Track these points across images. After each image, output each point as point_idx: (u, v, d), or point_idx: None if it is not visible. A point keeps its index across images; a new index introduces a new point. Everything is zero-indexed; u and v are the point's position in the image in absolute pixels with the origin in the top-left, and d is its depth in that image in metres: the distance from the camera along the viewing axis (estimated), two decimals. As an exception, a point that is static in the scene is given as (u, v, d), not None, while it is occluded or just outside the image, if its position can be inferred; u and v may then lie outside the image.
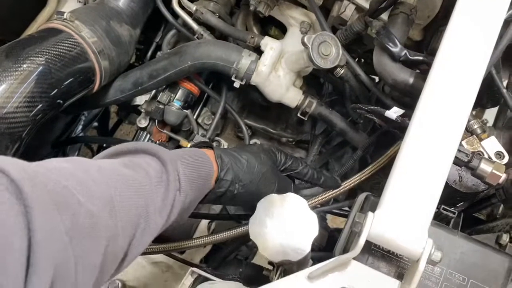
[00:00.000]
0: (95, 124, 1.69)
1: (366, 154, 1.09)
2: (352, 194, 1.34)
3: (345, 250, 0.67)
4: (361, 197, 0.71)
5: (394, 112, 0.75)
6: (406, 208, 0.57)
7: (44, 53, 0.88)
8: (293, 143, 1.26)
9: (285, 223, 0.62)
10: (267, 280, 0.70)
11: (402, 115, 0.74)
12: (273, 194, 0.65)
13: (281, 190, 0.75)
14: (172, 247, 0.86)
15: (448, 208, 0.67)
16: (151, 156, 0.63)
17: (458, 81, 0.62)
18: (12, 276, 0.37)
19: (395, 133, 0.94)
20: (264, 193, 0.71)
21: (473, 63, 0.62)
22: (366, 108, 0.80)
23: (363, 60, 1.11)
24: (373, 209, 0.65)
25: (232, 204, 0.89)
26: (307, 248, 0.61)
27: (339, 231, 1.09)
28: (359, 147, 1.06)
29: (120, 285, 1.06)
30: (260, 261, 1.35)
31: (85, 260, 0.45)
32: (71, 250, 0.43)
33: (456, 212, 0.67)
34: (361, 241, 0.54)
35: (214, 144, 1.17)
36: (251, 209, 0.67)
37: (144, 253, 0.85)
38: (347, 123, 1.06)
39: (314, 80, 1.20)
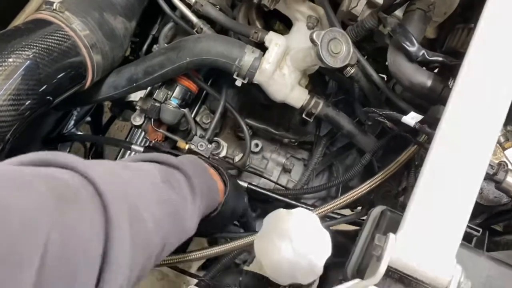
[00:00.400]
0: (88, 119, 1.62)
1: (374, 158, 1.03)
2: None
3: (359, 270, 0.61)
4: (376, 211, 0.65)
5: (411, 118, 0.69)
6: (432, 230, 0.51)
7: (32, 46, 0.81)
8: (296, 143, 1.20)
9: (296, 242, 0.56)
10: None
11: (420, 121, 0.68)
12: (281, 209, 0.59)
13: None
14: (171, 260, 0.80)
15: (473, 226, 0.61)
16: (182, 174, 0.65)
17: (491, 89, 0.55)
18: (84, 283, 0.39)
19: (406, 136, 0.88)
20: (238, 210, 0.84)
21: (508, 68, 0.56)
22: (380, 113, 0.74)
23: (372, 58, 1.04)
24: (391, 227, 0.59)
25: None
26: (320, 271, 0.55)
27: (340, 234, 1.04)
28: (367, 150, 1.00)
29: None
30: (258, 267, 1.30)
31: (133, 274, 0.47)
32: (129, 263, 0.45)
33: (481, 230, 0.61)
34: (382, 269, 0.48)
35: (213, 145, 1.11)
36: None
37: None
38: (355, 125, 1.00)
39: (318, 78, 1.13)
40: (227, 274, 0.98)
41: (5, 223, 0.34)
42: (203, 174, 0.74)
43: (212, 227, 0.83)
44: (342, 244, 1.26)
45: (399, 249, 0.50)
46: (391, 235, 0.51)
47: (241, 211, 0.89)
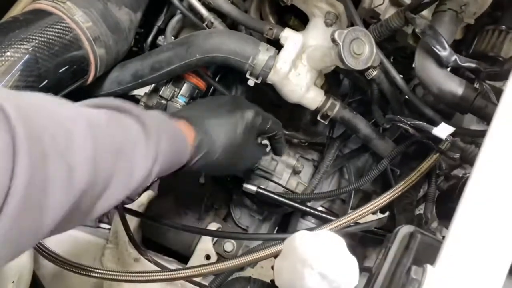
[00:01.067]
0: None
1: (392, 164, 0.99)
2: (366, 197, 1.24)
3: (385, 297, 0.56)
4: (403, 231, 0.60)
5: (443, 130, 0.64)
6: (475, 262, 0.46)
7: (30, 39, 0.76)
8: (306, 144, 1.14)
9: (321, 269, 0.51)
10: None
11: (453, 134, 0.63)
12: (304, 231, 0.54)
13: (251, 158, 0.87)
14: (180, 275, 0.75)
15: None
16: (136, 120, 0.62)
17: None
18: None
19: (428, 144, 0.83)
20: (238, 166, 0.86)
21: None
22: (408, 123, 0.69)
23: (392, 58, 0.99)
24: (422, 252, 0.54)
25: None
26: (347, 301, 0.51)
27: (346, 234, 0.99)
28: (384, 156, 0.95)
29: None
30: (266, 273, 1.26)
31: (50, 210, 0.46)
32: (43, 202, 0.44)
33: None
34: (422, 307, 0.44)
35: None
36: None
37: (143, 281, 0.75)
38: (372, 129, 0.94)
39: (333, 76, 1.08)
40: (235, 282, 0.93)
41: None
42: (162, 121, 0.70)
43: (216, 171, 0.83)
44: (349, 246, 1.22)
45: (438, 284, 0.45)
46: (429, 267, 0.46)
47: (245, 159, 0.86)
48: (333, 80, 1.07)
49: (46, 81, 0.77)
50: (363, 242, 1.20)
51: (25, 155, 0.41)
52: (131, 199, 0.72)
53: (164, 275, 0.77)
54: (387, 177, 1.13)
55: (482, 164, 0.49)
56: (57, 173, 0.46)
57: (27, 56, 0.74)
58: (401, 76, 0.95)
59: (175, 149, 0.70)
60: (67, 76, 0.82)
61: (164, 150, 0.65)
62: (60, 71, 0.79)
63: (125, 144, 0.58)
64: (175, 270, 0.79)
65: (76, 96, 0.96)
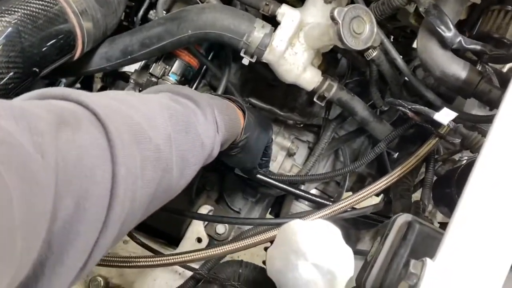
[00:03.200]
0: (78, 86, 1.52)
1: (389, 147, 0.96)
2: (361, 179, 1.22)
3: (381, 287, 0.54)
4: (401, 220, 0.58)
5: (445, 115, 0.61)
6: (476, 256, 0.44)
7: (12, 11, 0.72)
8: (302, 126, 1.12)
9: (315, 260, 0.48)
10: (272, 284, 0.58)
11: (455, 120, 0.60)
12: (297, 220, 0.51)
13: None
14: (175, 259, 0.73)
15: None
16: (188, 98, 0.66)
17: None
18: (96, 204, 0.40)
19: (426, 127, 0.80)
20: (255, 161, 0.87)
21: None
22: (409, 107, 0.66)
23: (392, 37, 0.95)
24: (421, 243, 0.52)
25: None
26: (341, 292, 0.49)
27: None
28: (381, 139, 0.92)
29: (102, 282, 0.94)
30: (258, 253, 1.24)
31: (145, 190, 0.49)
32: (140, 183, 0.47)
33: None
34: (420, 303, 0.42)
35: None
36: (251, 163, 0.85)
37: (134, 266, 0.73)
38: (370, 112, 0.91)
39: (330, 56, 1.04)
40: (226, 266, 0.92)
41: (12, 149, 0.34)
42: (218, 102, 0.74)
43: (240, 161, 0.84)
44: (342, 229, 1.21)
45: (438, 279, 0.43)
46: (428, 261, 0.44)
47: (266, 143, 0.88)
48: (331, 59, 1.03)
49: (31, 55, 0.74)
50: (356, 224, 1.19)
51: (120, 146, 0.44)
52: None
53: (153, 261, 0.75)
54: (382, 159, 1.11)
55: (486, 158, 0.46)
56: (147, 154, 0.49)
57: (9, 29, 0.71)
58: (401, 57, 0.92)
59: (231, 119, 0.73)
60: (52, 51, 0.78)
61: (220, 117, 0.69)
62: (45, 45, 0.76)
63: (189, 120, 0.62)
64: (167, 255, 0.77)
65: (63, 72, 0.93)
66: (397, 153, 1.00)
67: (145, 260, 0.76)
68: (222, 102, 0.76)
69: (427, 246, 0.54)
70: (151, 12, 1.00)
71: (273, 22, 0.86)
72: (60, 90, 0.47)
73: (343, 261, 0.50)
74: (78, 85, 1.50)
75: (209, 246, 0.99)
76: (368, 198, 0.76)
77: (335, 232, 0.51)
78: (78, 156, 0.40)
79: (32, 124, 0.37)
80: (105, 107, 0.46)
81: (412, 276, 0.44)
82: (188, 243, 0.95)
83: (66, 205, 0.38)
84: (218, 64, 1.03)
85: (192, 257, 0.75)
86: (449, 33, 0.66)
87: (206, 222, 1.01)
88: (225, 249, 0.75)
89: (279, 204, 1.17)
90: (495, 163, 0.46)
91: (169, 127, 0.56)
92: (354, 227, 1.22)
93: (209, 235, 1.01)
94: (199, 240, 0.98)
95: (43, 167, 0.36)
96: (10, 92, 0.74)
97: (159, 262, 0.76)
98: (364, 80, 1.04)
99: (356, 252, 0.77)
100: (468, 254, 0.44)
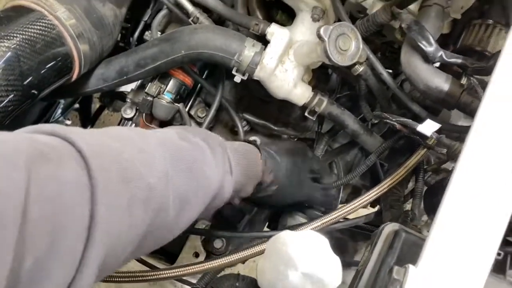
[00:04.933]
0: (76, 106, 1.55)
1: (380, 159, 0.98)
2: (355, 191, 1.24)
3: (369, 295, 0.56)
4: (388, 229, 0.60)
5: (428, 127, 0.63)
6: (456, 261, 0.46)
7: (11, 37, 0.75)
8: (296, 140, 1.14)
9: (305, 269, 0.50)
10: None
11: (438, 131, 0.62)
12: (287, 231, 0.53)
13: (308, 190, 0.85)
14: (169, 274, 0.75)
15: (493, 249, 0.56)
16: (199, 136, 0.65)
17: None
18: (72, 242, 0.39)
19: (415, 139, 0.83)
20: (296, 195, 0.83)
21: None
22: (394, 120, 0.69)
23: (380, 53, 0.98)
24: (406, 251, 0.54)
25: (262, 205, 0.89)
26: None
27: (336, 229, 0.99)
28: (372, 151, 0.95)
29: (101, 299, 0.95)
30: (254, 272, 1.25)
31: (133, 230, 0.48)
32: (127, 222, 0.46)
33: (502, 253, 0.56)
34: (403, 308, 0.43)
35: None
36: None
37: (132, 281, 0.74)
38: (360, 125, 0.94)
39: (321, 72, 1.07)
40: (223, 280, 0.93)
41: None
42: (232, 143, 0.73)
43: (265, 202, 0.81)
44: (339, 240, 1.22)
45: (420, 284, 0.45)
46: (411, 268, 0.45)
47: (303, 193, 0.86)
48: (322, 75, 1.06)
49: (30, 78, 0.76)
50: (353, 236, 1.20)
51: (102, 184, 0.42)
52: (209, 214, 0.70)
53: (151, 275, 0.77)
54: (376, 171, 1.13)
55: (464, 164, 0.49)
56: (137, 194, 0.48)
57: (9, 54, 0.73)
58: (389, 71, 0.95)
59: (247, 159, 0.72)
60: (50, 73, 0.81)
61: (235, 158, 0.68)
62: (44, 68, 0.78)
63: (195, 159, 0.60)
64: (163, 269, 0.78)
65: (61, 93, 0.96)
66: (388, 164, 1.02)
67: (142, 274, 0.77)
68: (238, 144, 0.75)
69: (413, 254, 0.56)
70: (146, 33, 1.04)
71: (265, 40, 0.89)
72: (51, 126, 0.47)
73: (331, 269, 0.52)
74: (76, 105, 1.54)
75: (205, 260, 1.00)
76: (358, 209, 0.78)
77: (323, 242, 0.53)
78: (58, 192, 0.39)
79: (8, 158, 0.37)
80: (93, 144, 0.46)
81: (395, 282, 0.46)
82: (185, 258, 0.97)
83: (40, 242, 0.37)
84: (212, 82, 1.06)
85: (188, 271, 0.77)
86: (431, 48, 0.69)
87: (203, 237, 1.03)
88: (220, 262, 0.77)
89: (276, 217, 1.19)
90: (472, 169, 0.48)
91: (168, 165, 0.55)
92: (352, 239, 1.23)
93: (206, 250, 1.02)
94: (196, 255, 0.99)
95: (12, 205, 0.35)
96: (9, 114, 0.77)
97: (156, 277, 0.77)
98: (355, 94, 1.06)
99: (354, 264, 0.79)
100: (449, 259, 0.46)
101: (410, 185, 1.00)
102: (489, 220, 0.47)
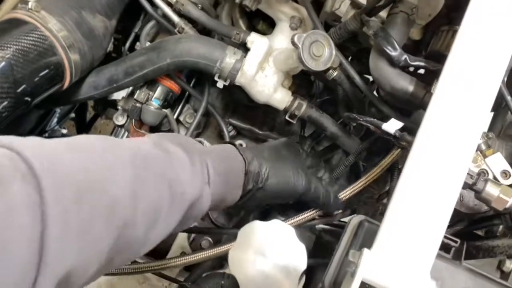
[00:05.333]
0: (72, 115, 1.60)
1: (359, 160, 1.02)
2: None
3: (336, 282, 0.60)
4: (355, 220, 0.64)
5: (392, 125, 0.68)
6: (406, 245, 0.50)
7: (5, 47, 0.79)
8: (281, 143, 1.18)
9: (272, 256, 0.55)
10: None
11: (401, 129, 0.67)
12: (256, 221, 0.58)
13: (313, 189, 0.80)
14: (148, 267, 0.79)
15: (450, 237, 0.61)
16: (178, 147, 0.63)
17: (472, 94, 0.54)
18: (23, 263, 0.37)
19: (389, 139, 0.87)
20: (293, 185, 0.77)
21: (488, 75, 0.55)
22: (361, 120, 0.73)
23: (356, 59, 1.03)
24: (368, 239, 0.58)
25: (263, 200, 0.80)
26: (296, 284, 0.55)
27: (326, 232, 1.03)
28: (351, 152, 0.99)
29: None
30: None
31: (95, 247, 0.46)
32: (88, 238, 0.44)
33: (459, 241, 0.61)
34: (355, 286, 0.48)
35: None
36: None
37: (115, 274, 0.78)
38: (338, 127, 0.98)
39: (303, 78, 1.12)
40: (209, 278, 0.97)
41: None
42: (214, 151, 0.70)
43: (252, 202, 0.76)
44: (329, 243, 1.26)
45: (373, 266, 0.49)
46: (365, 251, 0.50)
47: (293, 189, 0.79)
48: (304, 81, 1.11)
49: (23, 86, 0.81)
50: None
51: (53, 203, 0.40)
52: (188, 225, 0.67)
53: (132, 268, 0.80)
54: (358, 172, 1.17)
55: (415, 153, 0.53)
56: (97, 209, 0.45)
57: (3, 63, 0.78)
58: (365, 75, 0.99)
59: (227, 165, 0.69)
60: (43, 81, 0.85)
61: (214, 168, 0.65)
62: (36, 77, 0.83)
63: (168, 167, 0.58)
64: (143, 263, 0.82)
65: (54, 101, 1.00)
66: (366, 165, 1.06)
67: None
68: (219, 149, 0.72)
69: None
70: (137, 43, 1.09)
71: (245, 48, 0.94)
72: (7, 139, 0.44)
73: (297, 256, 0.56)
74: (72, 114, 1.59)
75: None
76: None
77: (290, 230, 0.57)
78: (6, 212, 0.37)
79: None
80: (48, 159, 0.44)
81: (351, 264, 0.50)
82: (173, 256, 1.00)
83: None
84: (200, 89, 1.11)
85: (167, 264, 0.80)
86: (395, 52, 0.74)
87: (191, 238, 1.07)
88: (198, 257, 0.80)
89: (264, 219, 1.23)
90: (422, 160, 0.52)
91: (138, 176, 0.52)
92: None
93: (194, 250, 1.06)
94: (183, 255, 1.03)
95: None
96: (3, 120, 0.81)
97: (139, 270, 0.80)
98: (336, 99, 1.11)
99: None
100: (399, 243, 0.50)
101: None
102: (435, 208, 0.51)
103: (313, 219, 0.83)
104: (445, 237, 0.62)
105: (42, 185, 0.40)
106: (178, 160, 0.61)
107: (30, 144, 0.45)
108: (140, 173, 0.53)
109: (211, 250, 0.79)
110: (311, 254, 0.89)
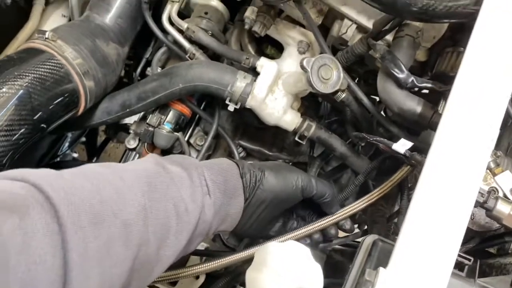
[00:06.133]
0: (83, 139, 1.62)
1: (368, 179, 1.04)
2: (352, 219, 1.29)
3: (351, 302, 0.61)
4: (368, 240, 0.65)
5: (402, 145, 0.69)
6: (421, 263, 0.51)
7: (24, 76, 0.82)
8: (290, 164, 1.20)
9: (288, 277, 0.55)
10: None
11: (411, 149, 0.68)
12: (273, 242, 0.59)
13: (313, 182, 0.79)
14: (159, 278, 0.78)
15: (464, 255, 0.61)
16: (177, 166, 0.65)
17: (480, 114, 0.56)
18: None
19: (399, 158, 0.88)
20: (291, 181, 0.76)
21: (495, 95, 0.56)
22: (371, 139, 0.75)
23: (363, 80, 1.05)
24: (382, 258, 0.59)
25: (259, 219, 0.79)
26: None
27: (337, 252, 1.03)
28: (360, 172, 1.00)
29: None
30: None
31: (115, 269, 0.48)
32: (108, 263, 0.46)
33: (472, 259, 0.61)
34: (373, 305, 0.48)
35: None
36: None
37: None
38: (348, 147, 1.00)
39: (311, 100, 1.14)
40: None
41: None
42: (210, 165, 0.70)
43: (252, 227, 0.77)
44: (340, 263, 1.26)
45: (389, 284, 0.50)
46: (381, 270, 0.51)
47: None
48: (312, 103, 1.13)
49: (40, 113, 0.83)
50: (352, 258, 1.24)
51: (72, 230, 0.42)
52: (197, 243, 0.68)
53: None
54: (369, 191, 1.18)
55: (427, 173, 0.54)
56: (114, 233, 0.48)
57: (21, 91, 0.80)
58: (373, 96, 1.02)
59: (223, 175, 0.70)
60: (59, 108, 0.87)
61: (212, 179, 0.67)
62: (52, 104, 0.85)
63: (170, 184, 0.60)
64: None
65: (68, 126, 1.03)
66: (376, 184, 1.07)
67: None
68: (216, 165, 0.72)
69: (389, 260, 0.61)
70: (148, 69, 1.12)
71: (255, 72, 0.96)
72: (18, 172, 0.47)
73: (313, 276, 0.57)
74: (83, 138, 1.61)
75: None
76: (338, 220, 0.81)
77: (305, 251, 0.58)
78: (24, 242, 0.39)
79: None
80: (62, 189, 0.45)
81: (367, 283, 0.51)
82: (185, 280, 1.01)
83: None
84: (210, 112, 1.13)
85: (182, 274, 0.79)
86: (402, 74, 0.76)
87: (204, 259, 1.07)
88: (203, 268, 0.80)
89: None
90: (434, 179, 0.54)
91: (145, 196, 0.55)
92: (350, 261, 1.27)
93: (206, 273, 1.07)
94: (196, 277, 1.04)
95: None
96: (21, 146, 0.82)
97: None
98: (344, 120, 1.13)
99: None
100: (415, 261, 0.51)
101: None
102: (449, 226, 0.52)
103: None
104: (458, 255, 0.63)
105: (60, 213, 0.42)
106: (179, 178, 0.63)
107: (43, 175, 0.47)
108: (147, 194, 0.55)
109: (225, 258, 0.79)
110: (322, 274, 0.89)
